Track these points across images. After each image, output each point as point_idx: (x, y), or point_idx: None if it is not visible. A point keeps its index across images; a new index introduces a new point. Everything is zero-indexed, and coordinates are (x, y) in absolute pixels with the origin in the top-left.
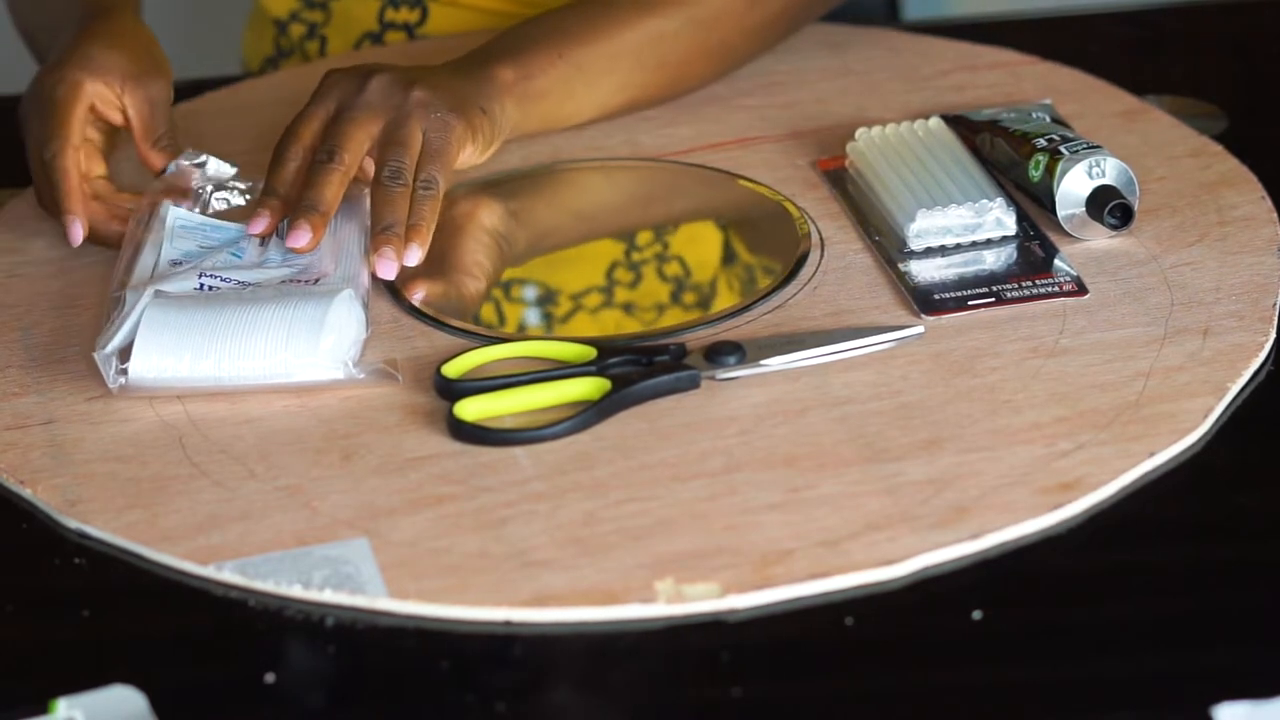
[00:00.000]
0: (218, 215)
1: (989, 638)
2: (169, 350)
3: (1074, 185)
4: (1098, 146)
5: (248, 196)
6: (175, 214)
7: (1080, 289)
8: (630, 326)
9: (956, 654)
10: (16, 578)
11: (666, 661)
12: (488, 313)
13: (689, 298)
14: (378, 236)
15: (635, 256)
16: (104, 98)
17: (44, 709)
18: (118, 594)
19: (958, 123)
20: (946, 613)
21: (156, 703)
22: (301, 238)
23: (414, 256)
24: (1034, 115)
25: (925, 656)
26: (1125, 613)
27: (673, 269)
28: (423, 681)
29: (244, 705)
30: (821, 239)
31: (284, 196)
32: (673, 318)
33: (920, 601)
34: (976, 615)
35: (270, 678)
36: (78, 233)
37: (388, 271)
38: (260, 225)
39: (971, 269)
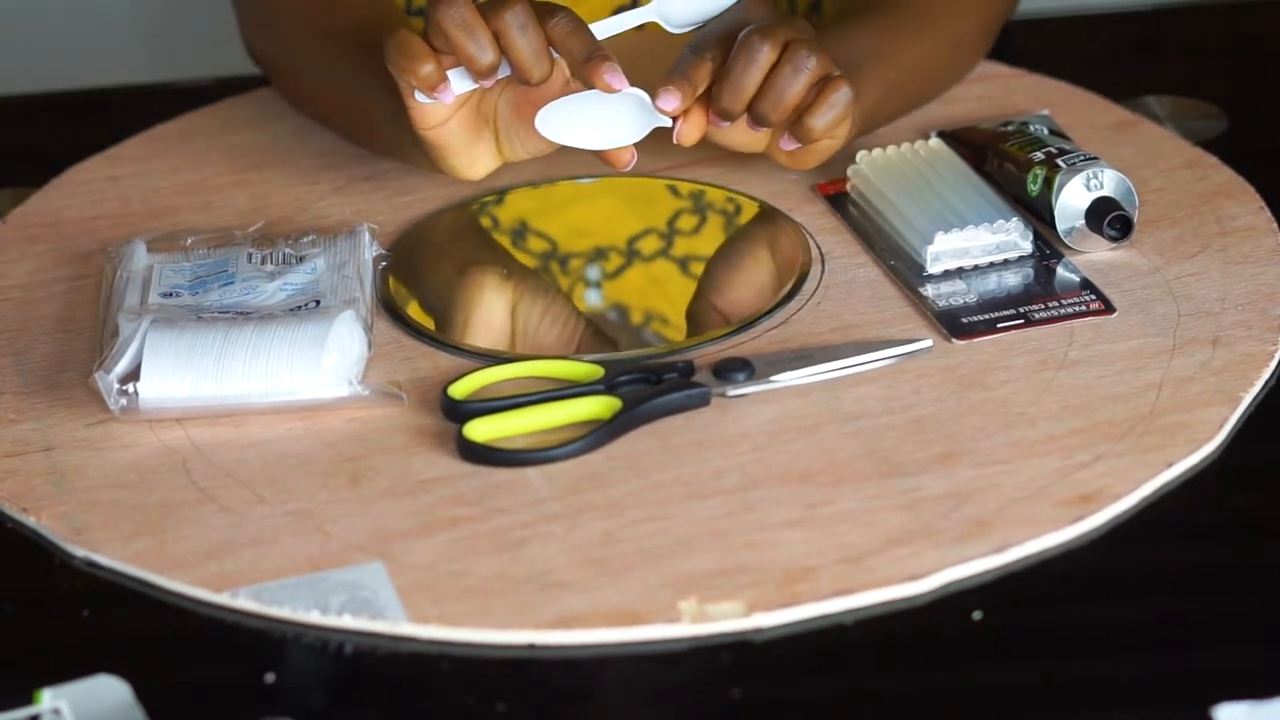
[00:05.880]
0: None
1: (989, 638)
2: (171, 371)
3: (1072, 198)
4: (1094, 158)
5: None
6: (156, 257)
7: (1108, 308)
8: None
9: (956, 654)
10: (16, 578)
11: (664, 662)
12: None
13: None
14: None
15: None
16: None
17: (29, 699)
18: (118, 594)
19: (955, 139)
20: (947, 614)
21: (158, 703)
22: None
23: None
24: (1032, 127)
25: (925, 657)
26: (1126, 613)
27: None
28: (422, 682)
29: (245, 706)
30: (822, 254)
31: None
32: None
33: (924, 605)
34: (976, 615)
35: (270, 678)
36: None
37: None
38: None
39: (993, 290)
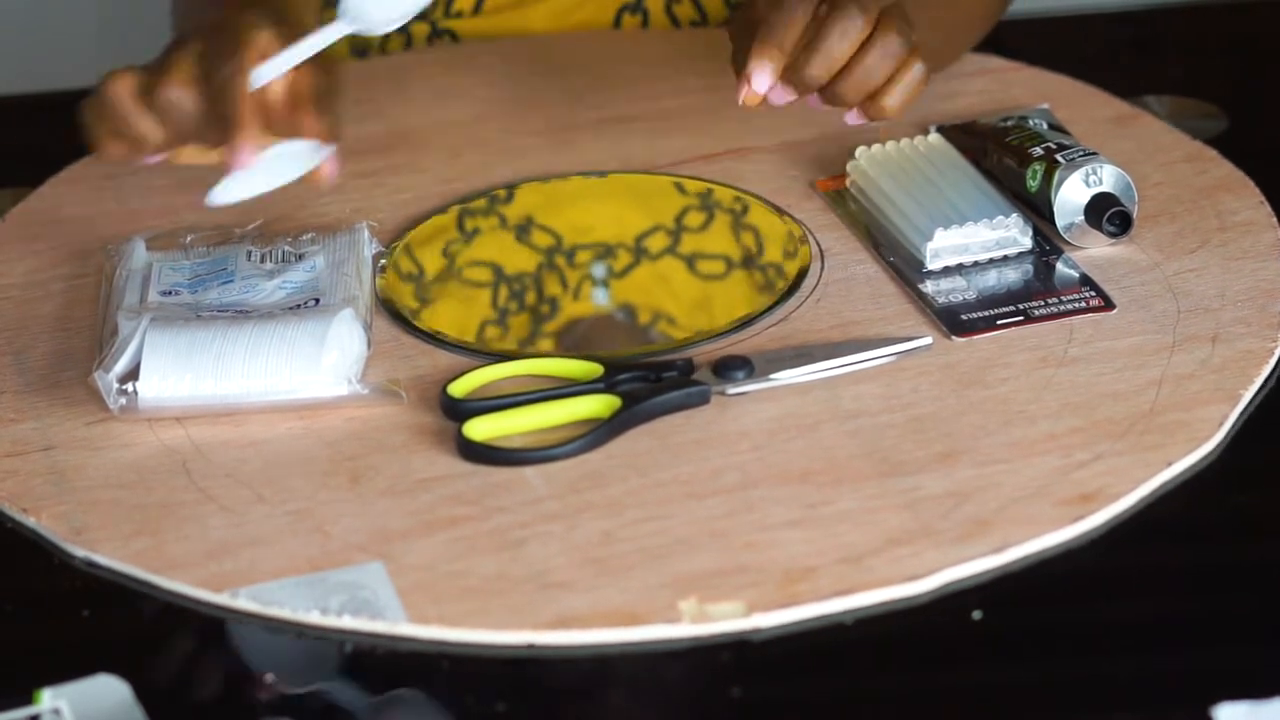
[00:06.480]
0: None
1: (989, 638)
2: (171, 370)
3: (1072, 193)
4: (1094, 153)
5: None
6: (155, 255)
7: (1107, 304)
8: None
9: (956, 654)
10: (16, 578)
11: (663, 662)
12: (553, 285)
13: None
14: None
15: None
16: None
17: (29, 699)
18: (118, 594)
19: (955, 134)
20: (946, 614)
21: (158, 703)
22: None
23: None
24: (1031, 122)
25: (924, 657)
26: (1126, 613)
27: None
28: (422, 682)
29: (244, 704)
30: (821, 251)
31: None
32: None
33: (924, 605)
34: (976, 615)
35: (270, 678)
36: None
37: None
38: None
39: (992, 287)
